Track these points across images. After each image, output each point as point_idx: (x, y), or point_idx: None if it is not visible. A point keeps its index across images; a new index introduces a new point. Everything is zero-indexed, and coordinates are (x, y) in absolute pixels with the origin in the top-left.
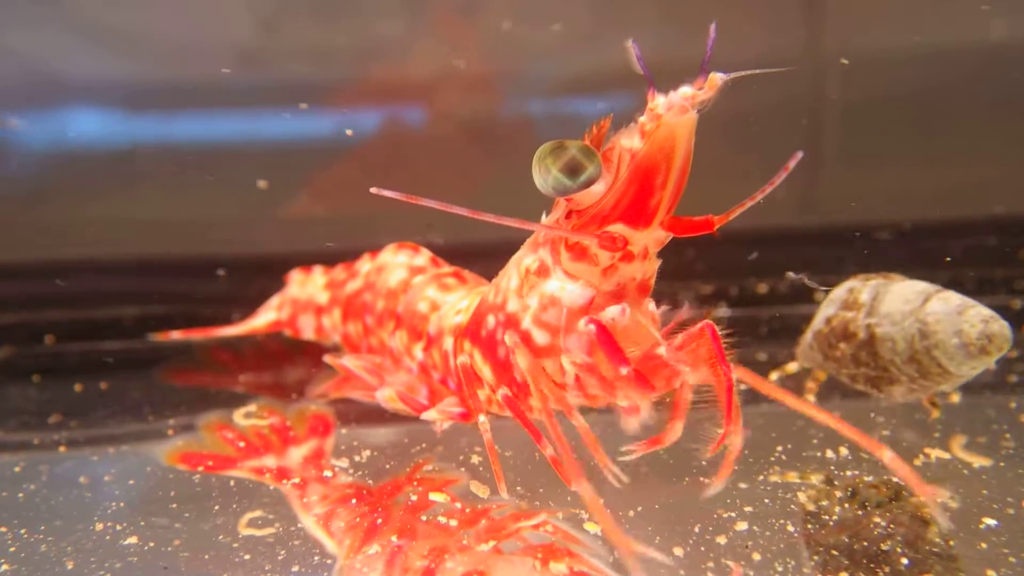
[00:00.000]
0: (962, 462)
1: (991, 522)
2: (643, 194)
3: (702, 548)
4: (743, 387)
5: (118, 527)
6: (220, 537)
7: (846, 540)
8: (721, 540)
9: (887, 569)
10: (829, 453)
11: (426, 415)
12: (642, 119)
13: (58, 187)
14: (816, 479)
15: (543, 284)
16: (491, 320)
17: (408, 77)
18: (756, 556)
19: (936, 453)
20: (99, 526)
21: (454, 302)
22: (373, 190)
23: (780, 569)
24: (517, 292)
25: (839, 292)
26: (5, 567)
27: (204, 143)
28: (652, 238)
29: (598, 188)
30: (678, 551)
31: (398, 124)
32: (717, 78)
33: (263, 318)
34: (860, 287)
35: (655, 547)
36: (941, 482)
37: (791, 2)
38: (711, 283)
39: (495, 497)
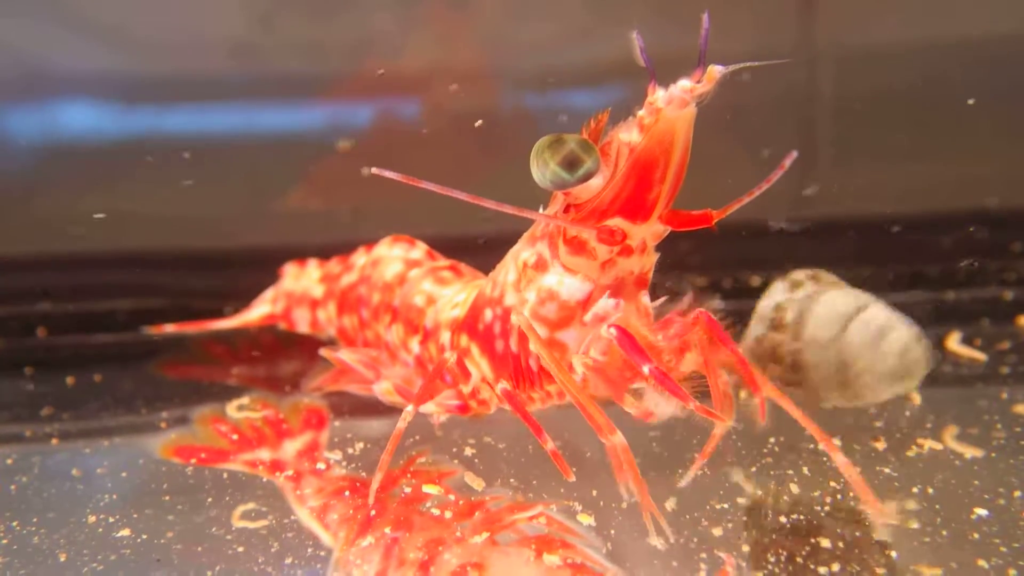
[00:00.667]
0: (954, 452)
1: (982, 512)
2: (642, 188)
3: (695, 539)
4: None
5: (111, 519)
6: (213, 529)
7: (839, 531)
8: (717, 532)
9: (880, 560)
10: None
11: (423, 408)
12: (641, 113)
13: (50, 180)
14: (808, 470)
15: (541, 278)
16: (488, 314)
17: (402, 71)
18: (746, 548)
19: (929, 443)
20: (92, 518)
21: (451, 296)
22: (373, 170)
23: (772, 559)
24: (515, 286)
25: (766, 307)
26: None
27: (197, 136)
28: (650, 232)
29: (596, 182)
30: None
31: (392, 119)
32: (715, 71)
33: (257, 311)
34: (785, 303)
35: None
36: (933, 473)
37: None
38: (704, 275)
39: (490, 489)
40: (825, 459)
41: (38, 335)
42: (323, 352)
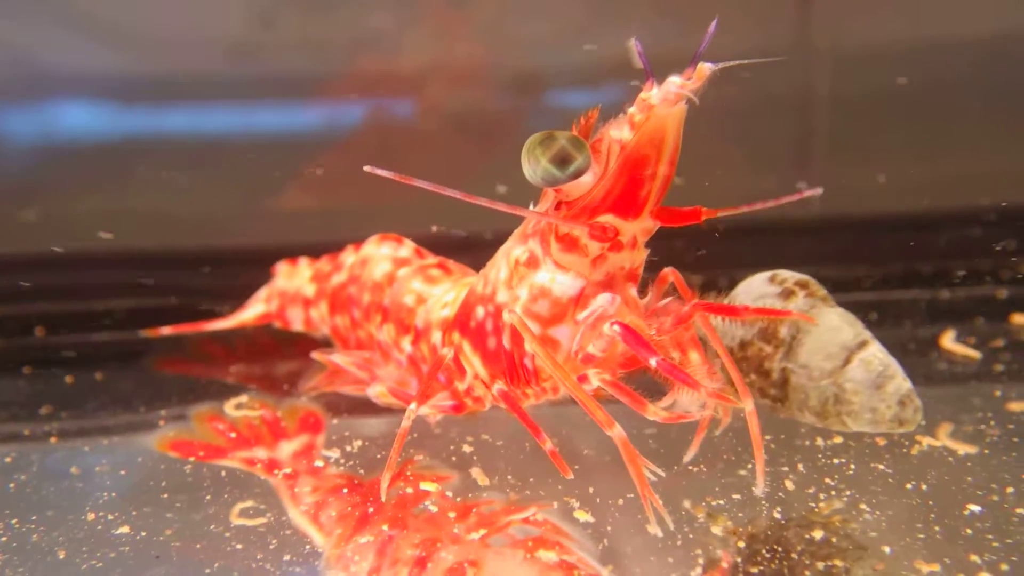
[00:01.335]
0: (948, 449)
1: (975, 508)
2: (633, 185)
3: (691, 536)
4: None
5: (109, 516)
6: (212, 527)
7: (837, 525)
8: (716, 529)
9: (873, 557)
10: (819, 440)
11: (419, 411)
12: (631, 110)
13: (48, 180)
14: (803, 467)
15: (533, 275)
16: (480, 311)
17: (399, 69)
18: (741, 544)
19: (927, 440)
20: (90, 516)
21: (440, 295)
22: (367, 168)
23: (768, 555)
24: (507, 283)
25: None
26: None
27: (195, 136)
28: (641, 228)
29: (587, 179)
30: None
31: (388, 116)
32: (706, 68)
33: (252, 311)
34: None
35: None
36: (927, 470)
37: None
38: (700, 274)
39: (495, 484)
40: (820, 456)
41: (36, 334)
42: (315, 355)
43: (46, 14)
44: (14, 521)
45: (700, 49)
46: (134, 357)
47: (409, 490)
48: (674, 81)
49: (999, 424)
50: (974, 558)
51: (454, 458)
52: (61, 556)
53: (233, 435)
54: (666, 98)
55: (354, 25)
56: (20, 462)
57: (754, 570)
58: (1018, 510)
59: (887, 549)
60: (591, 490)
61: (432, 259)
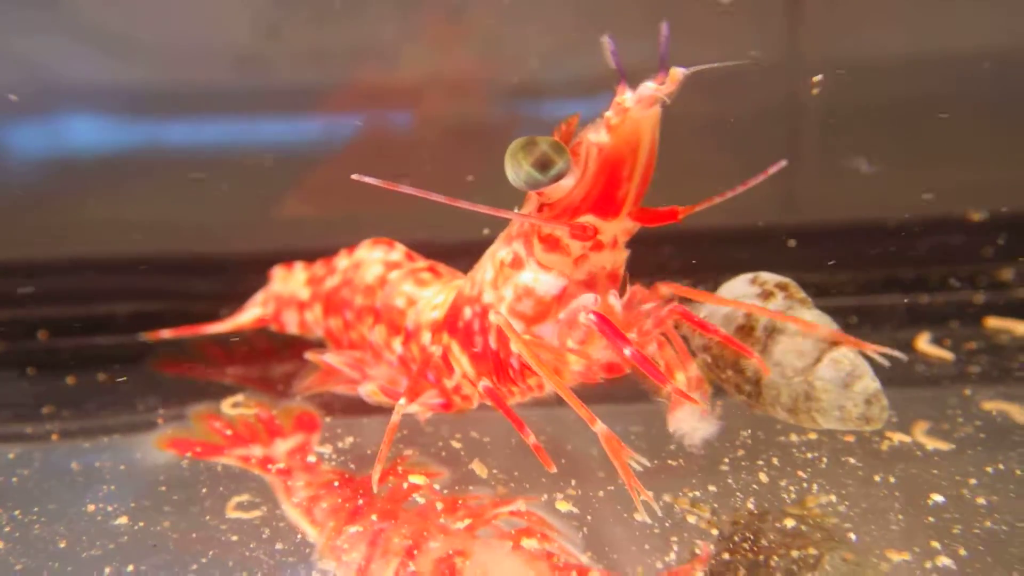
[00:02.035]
0: (917, 444)
1: (939, 499)
2: (611, 185)
3: (668, 524)
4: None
5: (109, 508)
6: (208, 519)
7: (809, 516)
8: (691, 519)
9: (842, 544)
10: (793, 436)
11: (408, 409)
12: (608, 114)
13: (54, 188)
14: (777, 461)
15: (517, 275)
16: (468, 312)
17: (399, 81)
18: (715, 532)
19: (898, 436)
20: (90, 508)
21: (430, 297)
22: (355, 176)
23: (742, 544)
24: (492, 284)
25: (735, 312)
26: (0, 546)
27: (197, 146)
28: (621, 228)
29: (568, 182)
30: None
31: (386, 127)
32: (678, 73)
33: (249, 314)
34: (757, 315)
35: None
36: (896, 463)
37: (774, 7)
38: (688, 280)
39: (482, 478)
40: (794, 450)
41: (39, 338)
42: (309, 356)
43: (55, 27)
44: (17, 512)
45: (662, 53)
46: (134, 359)
47: (404, 485)
48: (648, 85)
49: (968, 422)
50: (935, 543)
51: (444, 454)
52: (62, 545)
53: (229, 432)
54: (640, 101)
55: (357, 37)
56: (23, 459)
57: (728, 557)
58: (979, 500)
59: (852, 536)
60: (573, 482)
61: (423, 262)
